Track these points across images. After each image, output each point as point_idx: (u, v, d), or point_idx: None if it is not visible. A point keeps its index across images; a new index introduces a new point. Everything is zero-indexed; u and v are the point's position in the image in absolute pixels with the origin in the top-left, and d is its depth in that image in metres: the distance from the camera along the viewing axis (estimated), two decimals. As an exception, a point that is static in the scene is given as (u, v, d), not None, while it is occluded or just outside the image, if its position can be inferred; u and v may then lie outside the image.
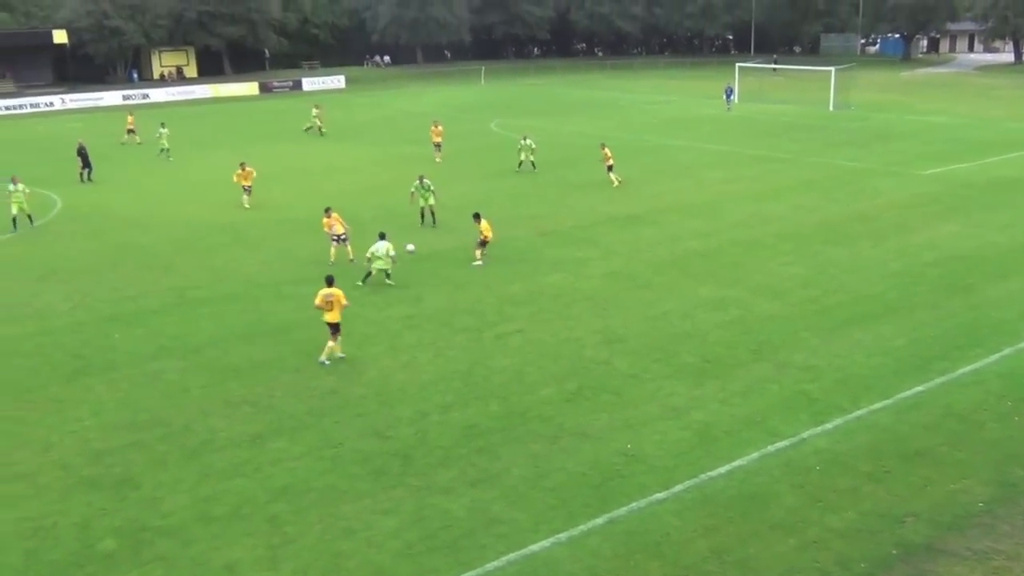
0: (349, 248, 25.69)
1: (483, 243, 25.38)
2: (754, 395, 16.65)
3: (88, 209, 34.73)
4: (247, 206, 33.57)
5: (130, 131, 52.98)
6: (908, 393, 16.52)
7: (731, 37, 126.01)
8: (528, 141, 40.11)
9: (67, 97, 79.51)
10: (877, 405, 16.06)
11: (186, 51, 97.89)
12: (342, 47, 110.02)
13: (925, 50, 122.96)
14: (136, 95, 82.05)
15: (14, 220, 31.14)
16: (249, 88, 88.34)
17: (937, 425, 15.35)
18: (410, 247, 24.99)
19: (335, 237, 25.77)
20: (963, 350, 18.44)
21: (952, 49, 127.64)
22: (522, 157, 39.92)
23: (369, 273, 23.45)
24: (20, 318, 22.07)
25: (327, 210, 26.10)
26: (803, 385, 17.01)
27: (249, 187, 33.97)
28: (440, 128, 44.93)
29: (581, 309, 21.62)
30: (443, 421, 15.88)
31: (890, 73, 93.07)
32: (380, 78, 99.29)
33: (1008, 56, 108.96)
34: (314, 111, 55.30)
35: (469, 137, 51.32)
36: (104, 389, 17.64)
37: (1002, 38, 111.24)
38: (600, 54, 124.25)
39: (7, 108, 75.02)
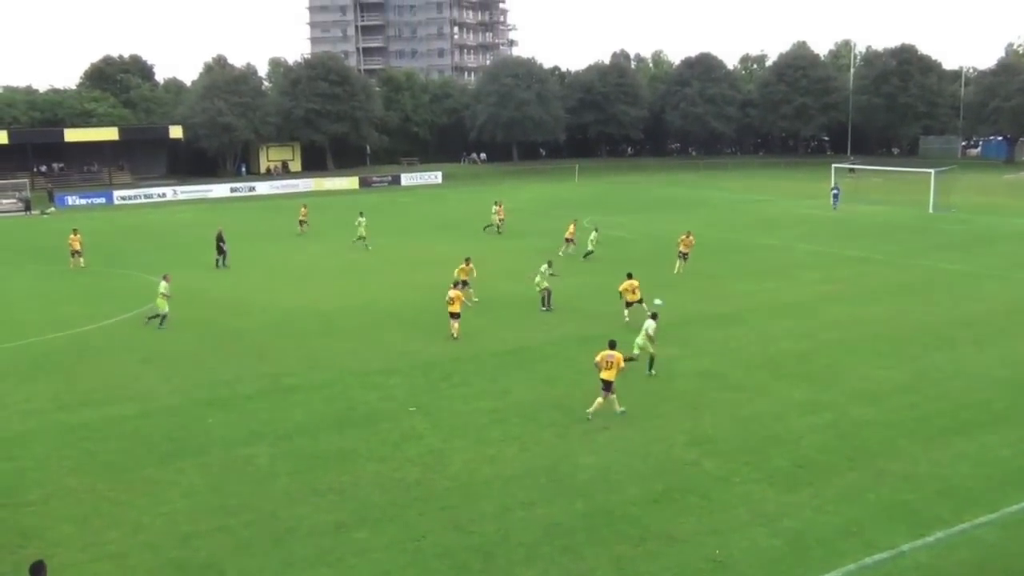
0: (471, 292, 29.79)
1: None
2: (850, 503, 16.03)
3: (202, 293, 35.95)
4: (465, 307, 29.08)
5: (302, 222, 53.82)
6: (1015, 508, 15.70)
7: (827, 138, 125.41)
8: (595, 234, 42.99)
9: (179, 189, 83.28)
10: (981, 519, 15.28)
11: (292, 146, 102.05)
12: (441, 144, 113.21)
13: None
14: (243, 188, 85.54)
15: (162, 317, 30.22)
16: (350, 182, 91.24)
17: (1048, 544, 14.50)
18: (658, 301, 27.38)
19: (453, 314, 27.52)
20: (1075, 464, 17.49)
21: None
22: (590, 247, 42.39)
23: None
24: (121, 399, 22.79)
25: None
26: (902, 495, 16.32)
27: (466, 282, 32.09)
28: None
29: (670, 408, 21.30)
30: (527, 518, 15.69)
31: (993, 175, 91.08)
32: (476, 175, 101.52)
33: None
34: (494, 208, 53.68)
35: (559, 233, 51.74)
36: (196, 472, 17.99)
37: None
38: (693, 153, 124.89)
39: (123, 198, 78.88)
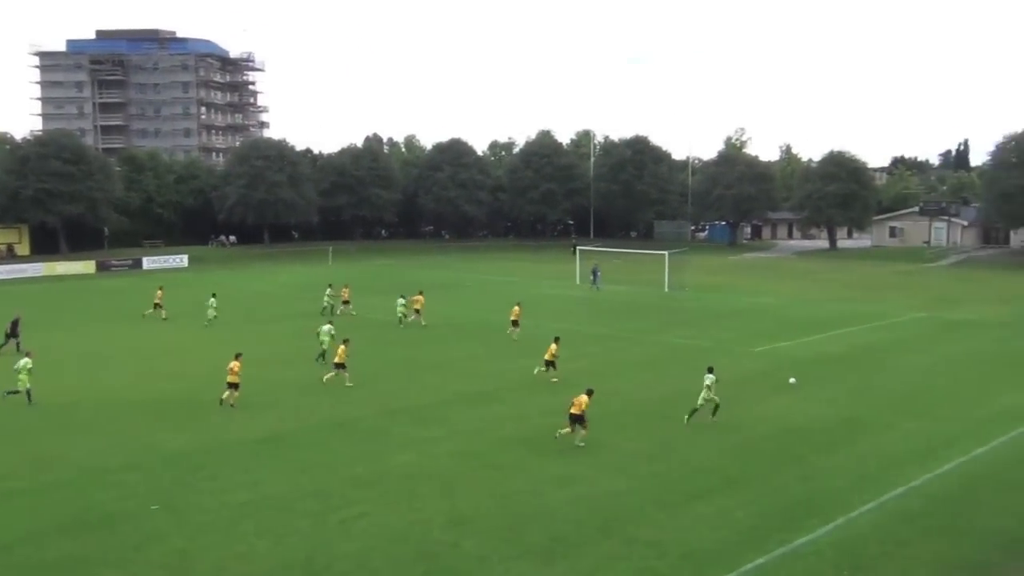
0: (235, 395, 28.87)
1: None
2: (603, 574, 16.53)
3: None
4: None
5: (157, 305, 51.64)
6: (750, 566, 16.78)
7: (572, 222, 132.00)
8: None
9: None
10: (722, 579, 16.21)
11: (19, 228, 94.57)
12: (188, 226, 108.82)
13: (749, 236, 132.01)
14: (-39, 273, 78.04)
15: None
16: (85, 266, 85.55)
17: (780, 597, 15.57)
18: (792, 380, 30.70)
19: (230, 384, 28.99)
20: (799, 520, 19.03)
21: (774, 236, 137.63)
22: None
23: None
24: None
25: (237, 355, 29.73)
26: (650, 561, 17.04)
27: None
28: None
29: (428, 489, 21.22)
30: (282, 614, 14.96)
31: (719, 257, 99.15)
32: (226, 258, 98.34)
33: (823, 243, 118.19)
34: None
35: (312, 317, 50.95)
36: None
37: (817, 226, 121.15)
38: (447, 236, 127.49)
39: None
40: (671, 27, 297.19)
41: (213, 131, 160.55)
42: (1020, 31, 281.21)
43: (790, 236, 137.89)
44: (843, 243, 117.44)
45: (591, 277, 67.07)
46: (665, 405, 29.68)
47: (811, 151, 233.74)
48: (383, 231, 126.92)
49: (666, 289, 64.50)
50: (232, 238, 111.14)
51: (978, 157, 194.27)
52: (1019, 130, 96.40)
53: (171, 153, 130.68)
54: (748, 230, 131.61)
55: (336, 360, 32.58)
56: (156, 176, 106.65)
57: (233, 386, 29.03)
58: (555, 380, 32.52)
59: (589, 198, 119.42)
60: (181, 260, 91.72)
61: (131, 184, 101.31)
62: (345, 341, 33.57)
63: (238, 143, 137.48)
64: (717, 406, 27.28)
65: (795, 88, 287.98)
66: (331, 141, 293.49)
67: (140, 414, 28.45)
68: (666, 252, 69.41)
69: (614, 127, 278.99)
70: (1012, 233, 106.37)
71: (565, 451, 24.27)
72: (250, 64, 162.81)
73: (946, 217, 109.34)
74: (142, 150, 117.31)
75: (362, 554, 17.46)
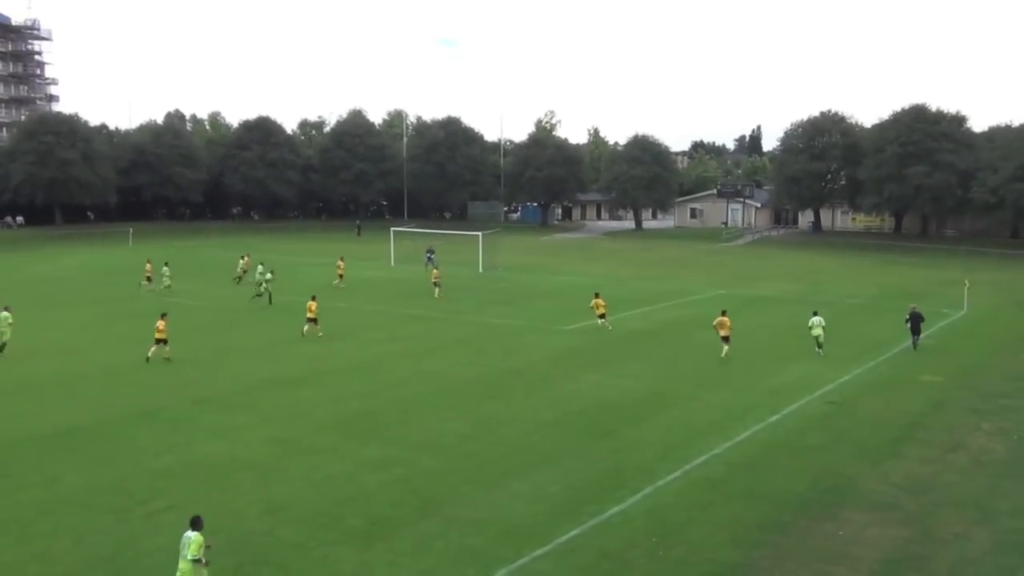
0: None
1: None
2: (422, 554, 16.57)
3: None
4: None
5: (148, 278, 54.22)
6: (565, 538, 17.25)
7: (385, 203, 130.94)
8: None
9: None
10: (538, 552, 16.60)
11: None
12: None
13: (560, 217, 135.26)
14: None
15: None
16: None
17: (593, 567, 16.12)
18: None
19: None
20: (610, 492, 19.71)
21: (583, 217, 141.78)
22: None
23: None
24: None
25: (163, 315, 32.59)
26: (469, 539, 17.21)
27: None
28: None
29: (241, 478, 20.58)
30: (83, 617, 14.15)
31: (531, 238, 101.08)
32: (13, 239, 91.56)
33: (630, 223, 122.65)
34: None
35: (115, 302, 48.37)
36: None
37: (624, 207, 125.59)
38: (256, 217, 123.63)
39: None
40: (480, 10, 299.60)
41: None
42: (807, 22, 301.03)
43: (598, 217, 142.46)
44: (648, 224, 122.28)
45: (426, 258, 66.75)
46: (481, 384, 30.01)
47: (617, 134, 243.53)
48: (188, 212, 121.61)
49: (480, 270, 65.13)
50: (19, 219, 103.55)
51: (769, 142, 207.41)
52: (805, 117, 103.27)
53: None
54: (559, 211, 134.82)
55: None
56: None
57: (162, 341, 32.56)
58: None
59: (403, 179, 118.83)
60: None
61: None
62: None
63: (23, 117, 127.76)
64: (820, 346, 34.52)
65: (601, 72, 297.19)
66: (129, 117, 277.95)
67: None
68: (480, 233, 70.04)
69: (426, 109, 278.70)
70: (800, 214, 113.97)
71: (381, 433, 24.12)
72: (35, 32, 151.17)
73: (741, 199, 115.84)
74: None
75: (171, 548, 16.60)
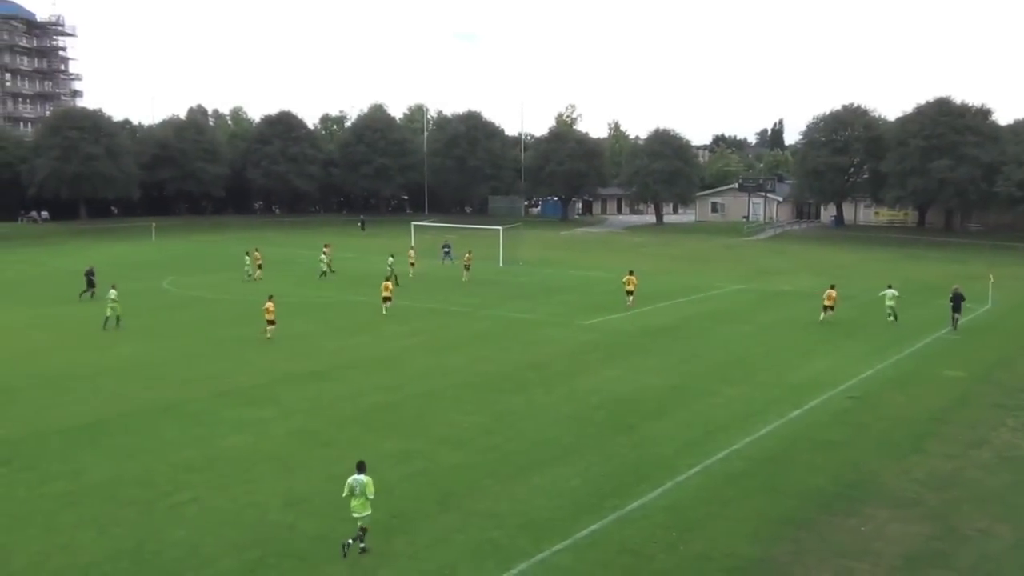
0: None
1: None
2: (442, 547, 16.64)
3: None
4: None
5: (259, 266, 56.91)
6: (585, 532, 17.28)
7: (406, 197, 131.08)
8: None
9: None
10: (558, 546, 16.63)
11: None
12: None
13: (580, 212, 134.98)
14: None
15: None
16: None
17: (612, 562, 16.12)
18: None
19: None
20: (631, 487, 19.71)
21: (604, 211, 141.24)
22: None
23: None
24: None
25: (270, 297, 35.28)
26: (489, 532, 17.27)
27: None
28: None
29: (263, 471, 20.74)
30: (107, 607, 14.32)
31: (551, 232, 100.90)
32: (38, 234, 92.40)
33: (651, 218, 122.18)
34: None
35: (141, 296, 48.76)
36: None
37: (645, 202, 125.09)
38: (277, 211, 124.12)
39: None
40: (498, 4, 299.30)
41: (20, 99, 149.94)
42: (830, 15, 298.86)
43: (619, 211, 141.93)
44: (669, 218, 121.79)
45: (442, 252, 67.09)
46: (501, 378, 30.05)
47: (638, 128, 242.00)
48: (210, 206, 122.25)
49: (500, 264, 65.16)
50: (44, 214, 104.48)
51: (791, 136, 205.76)
52: (828, 111, 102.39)
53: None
54: (579, 205, 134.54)
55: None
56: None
57: (270, 323, 36.30)
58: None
59: (423, 173, 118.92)
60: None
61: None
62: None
63: (48, 112, 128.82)
64: (895, 315, 39.71)
65: (622, 66, 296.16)
66: (152, 112, 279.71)
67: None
68: (500, 227, 70.06)
69: (446, 103, 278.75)
70: (822, 208, 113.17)
71: (401, 427, 24.22)
72: (60, 28, 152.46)
73: (763, 193, 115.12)
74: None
75: (194, 539, 16.90)
